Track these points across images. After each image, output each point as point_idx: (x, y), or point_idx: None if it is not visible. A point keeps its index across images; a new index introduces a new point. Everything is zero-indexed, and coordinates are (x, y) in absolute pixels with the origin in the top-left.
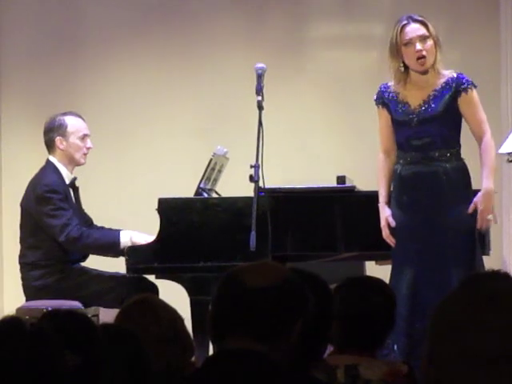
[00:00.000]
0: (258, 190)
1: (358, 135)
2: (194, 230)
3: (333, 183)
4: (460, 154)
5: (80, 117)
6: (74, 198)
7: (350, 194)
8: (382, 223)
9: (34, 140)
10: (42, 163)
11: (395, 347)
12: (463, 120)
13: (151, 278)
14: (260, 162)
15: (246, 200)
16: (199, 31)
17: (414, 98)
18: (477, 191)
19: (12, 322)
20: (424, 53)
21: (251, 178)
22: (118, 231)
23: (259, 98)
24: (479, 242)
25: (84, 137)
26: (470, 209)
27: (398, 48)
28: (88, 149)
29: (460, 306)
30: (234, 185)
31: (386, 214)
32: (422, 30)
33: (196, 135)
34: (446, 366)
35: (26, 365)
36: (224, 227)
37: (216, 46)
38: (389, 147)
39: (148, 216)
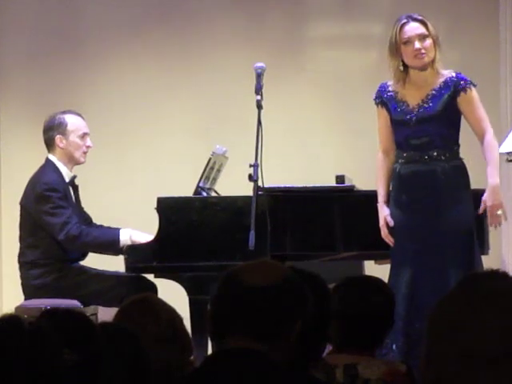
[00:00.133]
0: (257, 189)
1: (357, 135)
2: (193, 229)
3: (332, 183)
4: (459, 154)
5: (80, 115)
6: (73, 197)
7: (348, 194)
8: (381, 222)
9: (33, 139)
10: (42, 162)
11: (394, 347)
12: (463, 119)
13: (150, 277)
14: (259, 161)
15: (245, 199)
16: (199, 31)
17: (413, 98)
18: (476, 191)
19: (11, 320)
20: (423, 51)
21: (250, 178)
22: (117, 229)
23: (258, 97)
24: (478, 241)
25: (84, 135)
26: (481, 209)
27: (397, 47)
28: (88, 147)
29: (458, 305)
30: (233, 184)
31: (384, 213)
32: (422, 29)
33: (195, 134)
34: (444, 366)
35: (24, 363)
36: (223, 226)
37: (216, 46)
38: (388, 147)
39: (147, 215)
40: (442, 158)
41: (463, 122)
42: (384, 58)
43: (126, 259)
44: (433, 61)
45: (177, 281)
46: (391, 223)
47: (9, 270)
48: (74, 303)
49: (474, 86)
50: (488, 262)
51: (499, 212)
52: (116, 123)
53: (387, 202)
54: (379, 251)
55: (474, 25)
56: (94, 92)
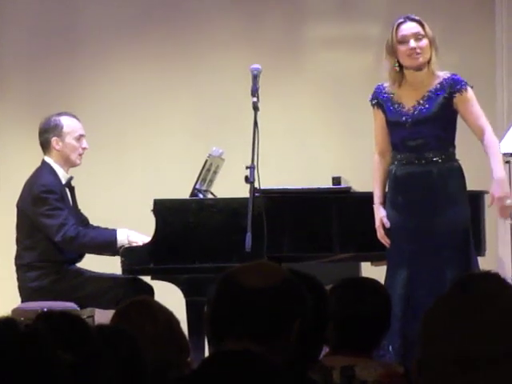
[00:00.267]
0: (253, 190)
1: (354, 136)
2: (190, 230)
3: (329, 184)
4: (455, 155)
5: (75, 117)
6: (70, 198)
7: (345, 195)
8: (377, 224)
9: (29, 140)
10: (38, 164)
11: (390, 348)
12: (459, 121)
13: (147, 279)
14: (256, 163)
15: (242, 201)
16: (197, 32)
17: (409, 99)
18: (472, 192)
19: (6, 322)
20: (418, 50)
21: (247, 179)
22: (114, 230)
23: (254, 99)
24: (474, 243)
25: (80, 137)
26: (490, 201)
27: (393, 46)
28: (84, 149)
29: (451, 307)
30: (230, 186)
31: (380, 214)
32: (418, 29)
33: (192, 136)
34: (437, 369)
35: (19, 366)
36: (220, 228)
37: (214, 47)
38: (384, 148)
39: (144, 216)
40: (438, 159)
41: (459, 123)
42: (381, 59)
43: (122, 261)
44: (429, 62)
45: (173, 283)
46: (387, 224)
47: (5, 273)
48: (71, 305)
49: (471, 87)
50: (484, 263)
51: (508, 202)
52: (113, 124)
53: (383, 203)
54: (376, 252)
55: (470, 27)
56: (92, 93)
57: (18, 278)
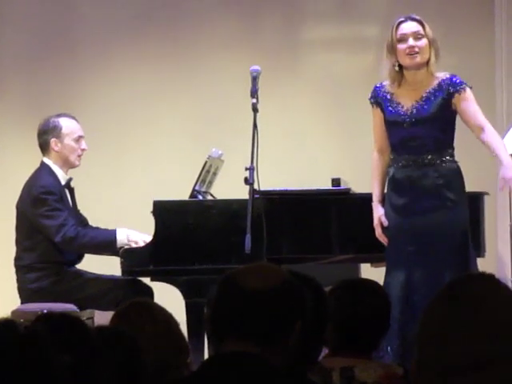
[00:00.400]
0: (253, 192)
1: (353, 137)
2: (189, 232)
3: (328, 186)
4: (454, 157)
5: (74, 118)
6: (69, 199)
7: (344, 197)
8: (375, 222)
9: (28, 142)
10: (37, 165)
11: (389, 349)
12: (458, 122)
13: (146, 280)
14: (255, 164)
15: (241, 202)
16: (196, 33)
17: (407, 99)
18: (471, 194)
19: (5, 324)
20: (416, 49)
21: (246, 181)
22: (114, 230)
23: (254, 100)
24: (474, 244)
25: (79, 138)
26: (500, 186)
27: (393, 45)
28: (83, 150)
29: (445, 310)
30: (229, 187)
31: (379, 213)
32: (418, 28)
33: (191, 137)
34: (434, 370)
35: (18, 367)
36: (219, 230)
37: (213, 48)
38: (383, 146)
39: (143, 218)
40: (437, 161)
41: (458, 124)
42: (380, 60)
43: (122, 263)
44: (428, 63)
45: (173, 284)
46: (385, 223)
47: (5, 274)
48: (71, 307)
49: (470, 87)
50: (484, 264)
51: None
52: (113, 125)
53: (382, 202)
54: (375, 254)
55: (469, 28)
56: (91, 94)
57: (18, 280)
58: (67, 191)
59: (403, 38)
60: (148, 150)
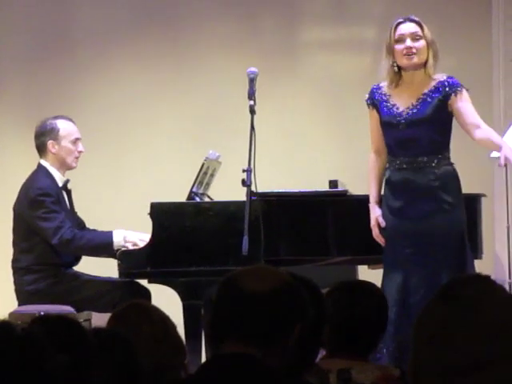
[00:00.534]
0: (250, 194)
1: (351, 139)
2: (187, 234)
3: (325, 187)
4: (449, 159)
5: (71, 120)
6: (67, 201)
7: (342, 198)
8: (372, 223)
9: (25, 144)
10: (34, 167)
11: (384, 351)
12: (455, 124)
13: (144, 282)
14: (252, 166)
15: (239, 204)
16: (192, 35)
17: (404, 101)
18: (467, 195)
19: (2, 325)
20: (414, 50)
21: (243, 183)
22: (110, 231)
23: (251, 102)
24: (471, 246)
25: (76, 140)
26: (502, 160)
27: (391, 45)
28: (80, 152)
29: (440, 312)
30: (227, 189)
31: (376, 214)
32: (416, 29)
33: (188, 139)
34: (431, 371)
35: (15, 369)
36: (216, 231)
37: (210, 50)
38: (380, 147)
39: (141, 220)
40: (432, 164)
41: (455, 126)
42: (377, 62)
43: (119, 265)
44: (425, 64)
45: (170, 286)
46: (383, 224)
47: (2, 276)
48: (68, 309)
49: (466, 89)
50: (482, 266)
51: None
52: (110, 127)
53: (379, 203)
54: (373, 256)
55: (466, 29)
56: (88, 96)
57: (15, 282)
58: (64, 193)
59: (401, 39)
60: (146, 151)
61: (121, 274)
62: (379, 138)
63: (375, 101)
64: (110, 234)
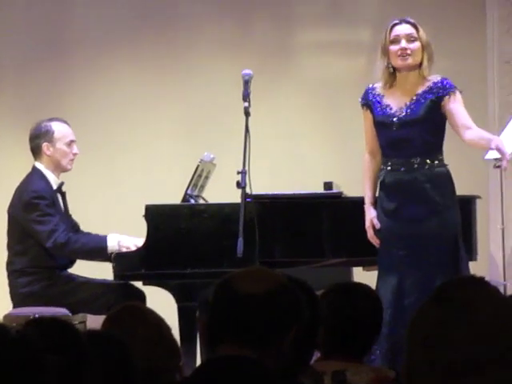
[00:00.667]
0: (245, 196)
1: (345, 141)
2: (181, 236)
3: (320, 189)
4: (443, 161)
5: (66, 123)
6: (61, 204)
7: (337, 200)
8: (367, 224)
9: (22, 146)
10: (28, 169)
11: (378, 352)
12: (448, 126)
13: (138, 284)
14: (247, 168)
15: (233, 206)
16: (187, 37)
17: (397, 101)
18: (461, 197)
19: None
20: (408, 51)
21: (238, 184)
22: (105, 236)
23: (246, 104)
24: (466, 247)
25: (70, 143)
26: (493, 144)
27: (386, 46)
28: (74, 155)
29: (433, 314)
30: (221, 191)
31: (371, 215)
32: (411, 31)
33: (183, 141)
34: (423, 377)
35: (9, 371)
36: (211, 233)
37: (205, 52)
38: (374, 148)
39: (135, 222)
40: (426, 165)
41: (450, 128)
42: (372, 63)
43: (114, 267)
44: (420, 66)
45: (165, 288)
46: (377, 225)
47: None
48: (63, 311)
49: (460, 91)
50: (476, 267)
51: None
52: (105, 129)
53: (374, 204)
54: (367, 257)
55: (461, 31)
56: (83, 98)
57: (10, 284)
58: (59, 196)
59: (396, 40)
60: (140, 153)
61: (115, 276)
62: (373, 139)
63: (369, 101)
64: (104, 239)
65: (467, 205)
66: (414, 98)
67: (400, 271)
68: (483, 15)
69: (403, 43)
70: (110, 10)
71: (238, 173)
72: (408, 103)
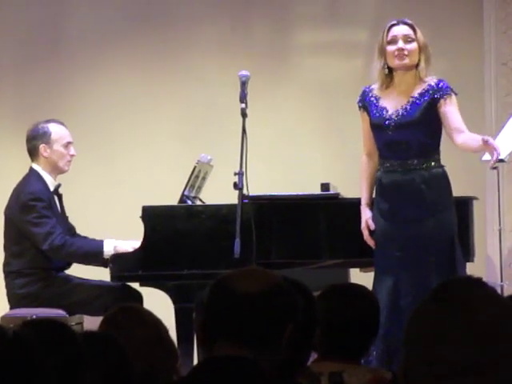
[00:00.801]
0: (242, 197)
1: (343, 142)
2: (179, 237)
3: (317, 190)
4: (439, 162)
5: (63, 124)
6: (58, 206)
7: (334, 202)
8: (363, 225)
9: (19, 147)
10: (25, 171)
11: (374, 353)
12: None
13: (135, 285)
14: (244, 169)
15: (230, 207)
16: (184, 38)
17: (394, 103)
18: (458, 198)
19: None
20: (405, 52)
21: (235, 186)
22: (101, 240)
23: (243, 105)
24: (463, 249)
25: (68, 144)
26: (484, 137)
27: (383, 47)
28: (71, 156)
29: (430, 315)
30: (218, 192)
31: (366, 216)
32: (409, 32)
33: (180, 143)
34: (420, 377)
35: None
36: (208, 234)
37: (202, 53)
38: (371, 149)
39: (132, 224)
40: (422, 166)
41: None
42: (369, 65)
43: (111, 268)
44: (417, 67)
45: (162, 289)
46: (372, 226)
47: None
48: (60, 312)
49: (455, 93)
50: (473, 269)
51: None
52: (102, 131)
53: (370, 205)
54: (364, 259)
55: (458, 32)
56: (80, 100)
57: (7, 285)
58: (56, 197)
59: (393, 40)
60: (137, 155)
61: (112, 277)
62: (370, 141)
63: (366, 103)
64: (100, 243)
65: (464, 206)
66: (410, 99)
67: (396, 272)
68: (480, 17)
69: (400, 44)
70: (109, 10)
71: (235, 174)
72: (404, 105)
